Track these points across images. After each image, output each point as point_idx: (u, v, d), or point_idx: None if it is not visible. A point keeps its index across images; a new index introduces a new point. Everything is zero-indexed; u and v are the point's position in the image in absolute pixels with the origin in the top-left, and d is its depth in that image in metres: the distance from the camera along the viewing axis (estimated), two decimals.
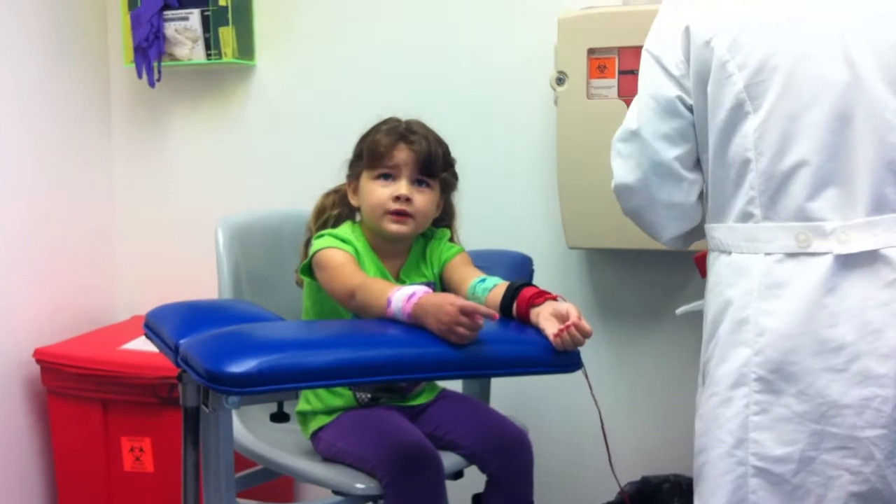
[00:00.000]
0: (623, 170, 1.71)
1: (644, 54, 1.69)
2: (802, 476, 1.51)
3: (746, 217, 1.58)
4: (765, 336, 1.53)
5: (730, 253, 1.61)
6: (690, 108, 1.63)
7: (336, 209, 1.97)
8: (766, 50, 1.53)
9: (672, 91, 1.63)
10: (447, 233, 1.99)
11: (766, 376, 1.53)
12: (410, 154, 1.86)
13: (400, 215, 1.85)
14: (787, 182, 1.53)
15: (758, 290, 1.54)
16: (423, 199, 1.87)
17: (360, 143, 1.94)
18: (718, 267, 1.64)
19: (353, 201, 1.94)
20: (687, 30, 1.61)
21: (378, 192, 1.86)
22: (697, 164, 1.68)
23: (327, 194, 2.00)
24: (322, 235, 1.87)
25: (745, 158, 1.55)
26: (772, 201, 1.54)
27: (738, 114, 1.55)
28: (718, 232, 1.64)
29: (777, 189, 1.54)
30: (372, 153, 1.87)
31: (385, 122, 1.92)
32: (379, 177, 1.87)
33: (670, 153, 1.65)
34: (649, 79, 1.67)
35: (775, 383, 1.52)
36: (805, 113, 1.51)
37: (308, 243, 1.92)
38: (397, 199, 1.84)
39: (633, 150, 1.68)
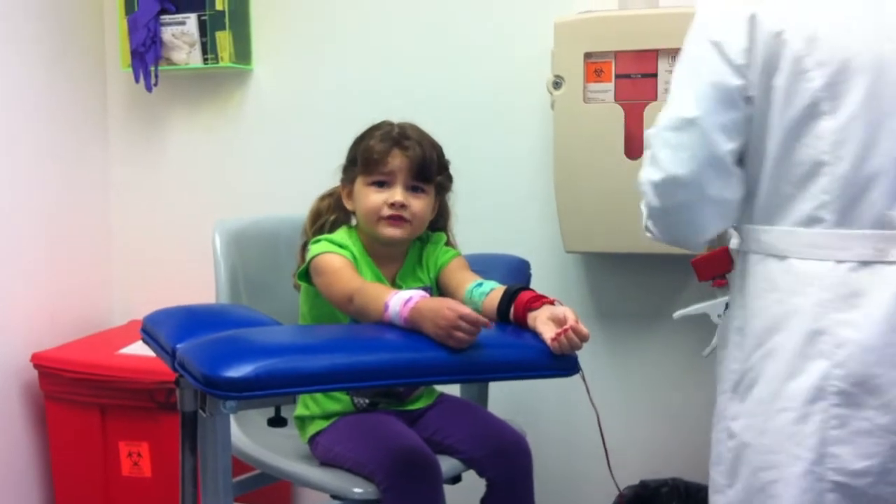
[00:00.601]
0: (673, 161, 1.56)
1: (700, 40, 1.57)
2: (880, 487, 1.47)
3: (813, 222, 1.50)
4: (845, 348, 1.47)
5: (784, 258, 1.54)
6: (749, 100, 1.54)
7: (332, 213, 1.97)
8: (848, 49, 1.46)
9: (734, 80, 1.52)
10: (443, 237, 1.99)
11: (847, 389, 1.47)
12: (405, 160, 1.85)
13: (395, 220, 1.85)
14: (867, 189, 1.47)
15: (832, 299, 1.48)
16: (419, 204, 1.87)
17: (353, 148, 1.93)
18: (769, 273, 1.56)
19: (348, 205, 1.93)
20: (753, 18, 1.51)
21: (372, 198, 1.85)
22: (741, 161, 1.59)
23: (322, 198, 2.00)
24: (319, 240, 1.87)
25: (817, 160, 1.48)
26: (848, 208, 1.48)
27: (812, 113, 1.48)
28: (770, 235, 1.56)
29: (856, 196, 1.47)
30: (366, 159, 1.87)
31: (378, 126, 1.91)
32: (373, 183, 1.86)
33: (727, 146, 1.54)
34: (708, 66, 1.54)
35: (857, 396, 1.46)
36: (887, 119, 1.45)
37: (304, 247, 1.92)
38: (392, 205, 1.84)
39: (687, 141, 1.54)
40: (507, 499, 1.86)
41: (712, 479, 1.67)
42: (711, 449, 1.68)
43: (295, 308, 1.98)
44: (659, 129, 1.58)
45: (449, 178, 1.96)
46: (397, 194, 1.84)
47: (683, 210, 1.61)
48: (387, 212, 1.84)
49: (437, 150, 1.91)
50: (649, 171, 1.61)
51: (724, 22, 1.54)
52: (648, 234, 1.71)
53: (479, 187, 2.51)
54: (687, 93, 1.56)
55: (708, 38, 1.55)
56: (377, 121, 1.94)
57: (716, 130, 1.53)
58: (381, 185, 1.86)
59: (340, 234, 1.90)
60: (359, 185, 1.89)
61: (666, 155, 1.57)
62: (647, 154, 1.62)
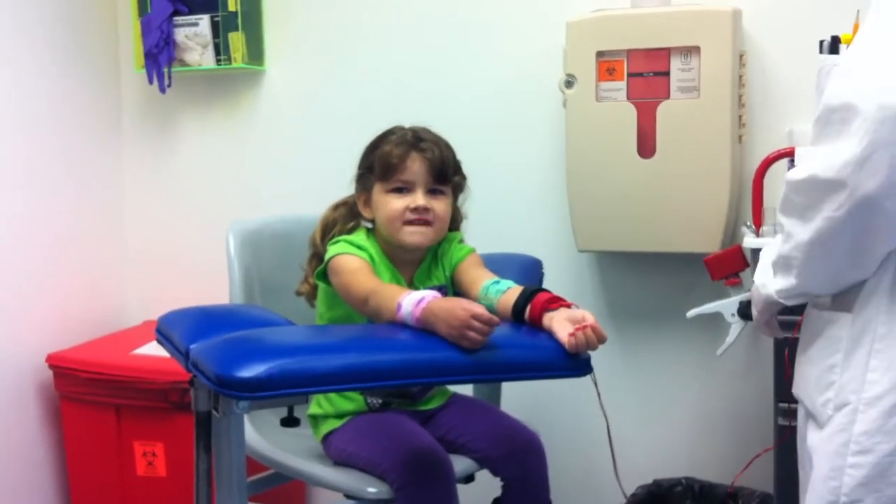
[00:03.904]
0: None
1: None
2: None
3: None
4: None
5: None
6: None
7: (346, 223, 1.95)
8: None
9: None
10: (458, 235, 1.98)
11: None
12: (424, 163, 1.85)
13: (418, 224, 1.84)
14: None
15: None
16: (441, 206, 1.87)
17: (367, 156, 1.91)
18: None
19: (366, 214, 1.92)
20: None
21: (393, 205, 1.84)
22: None
23: (335, 207, 1.98)
24: (338, 241, 1.87)
25: None
26: None
27: None
28: None
29: None
30: (385, 165, 1.85)
31: (390, 132, 1.90)
32: (393, 190, 1.85)
33: None
34: None
35: None
36: None
37: (313, 258, 1.92)
38: (415, 209, 1.83)
39: None
40: (522, 497, 1.86)
41: None
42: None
43: (309, 308, 1.98)
44: None
45: (463, 178, 1.95)
46: (419, 199, 1.83)
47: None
48: (409, 216, 1.83)
49: (451, 150, 1.91)
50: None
51: None
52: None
53: (491, 187, 2.51)
54: None
55: None
56: (390, 121, 1.94)
57: None
58: (400, 190, 1.85)
59: (359, 236, 1.90)
60: (377, 192, 1.87)
61: None
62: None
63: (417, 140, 1.86)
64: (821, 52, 1.84)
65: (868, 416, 1.34)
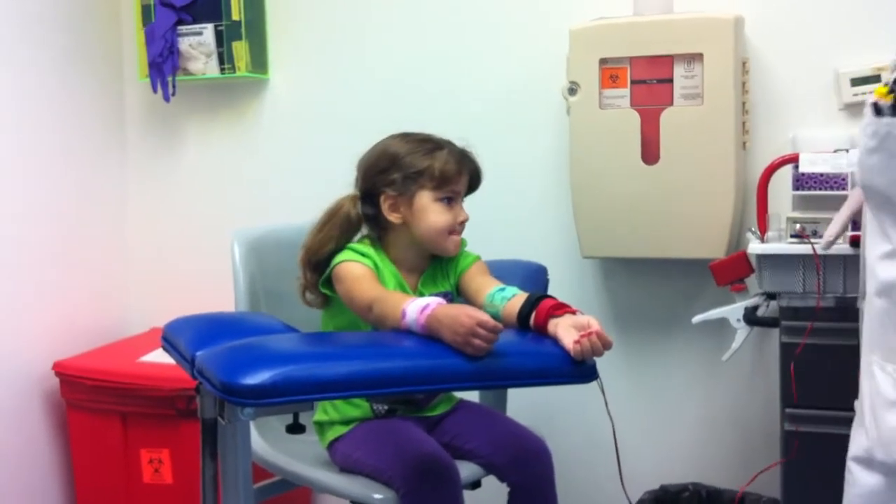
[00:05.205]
0: None
1: None
2: None
3: None
4: None
5: None
6: None
7: (360, 223, 1.93)
8: None
9: None
10: (464, 241, 1.99)
11: None
12: (467, 177, 1.91)
13: (457, 235, 1.91)
14: None
15: None
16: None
17: (412, 162, 1.87)
18: None
19: (393, 217, 1.88)
20: None
21: (444, 217, 1.87)
22: None
23: (353, 201, 1.92)
24: (341, 249, 1.88)
25: None
26: None
27: None
28: None
29: None
30: (442, 176, 1.87)
31: (427, 140, 1.90)
32: (442, 199, 1.88)
33: None
34: None
35: None
36: None
37: (305, 275, 1.91)
38: (462, 223, 1.90)
39: None
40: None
41: None
42: None
43: (314, 315, 1.98)
44: None
45: None
46: (463, 212, 1.90)
47: None
48: (458, 228, 1.90)
49: None
50: None
51: None
52: None
53: (495, 194, 2.49)
54: None
55: None
56: (393, 129, 1.94)
57: None
58: (448, 200, 1.89)
59: (362, 244, 1.91)
60: (426, 199, 1.87)
61: None
62: None
63: (463, 155, 1.92)
64: (878, 115, 1.61)
65: None
